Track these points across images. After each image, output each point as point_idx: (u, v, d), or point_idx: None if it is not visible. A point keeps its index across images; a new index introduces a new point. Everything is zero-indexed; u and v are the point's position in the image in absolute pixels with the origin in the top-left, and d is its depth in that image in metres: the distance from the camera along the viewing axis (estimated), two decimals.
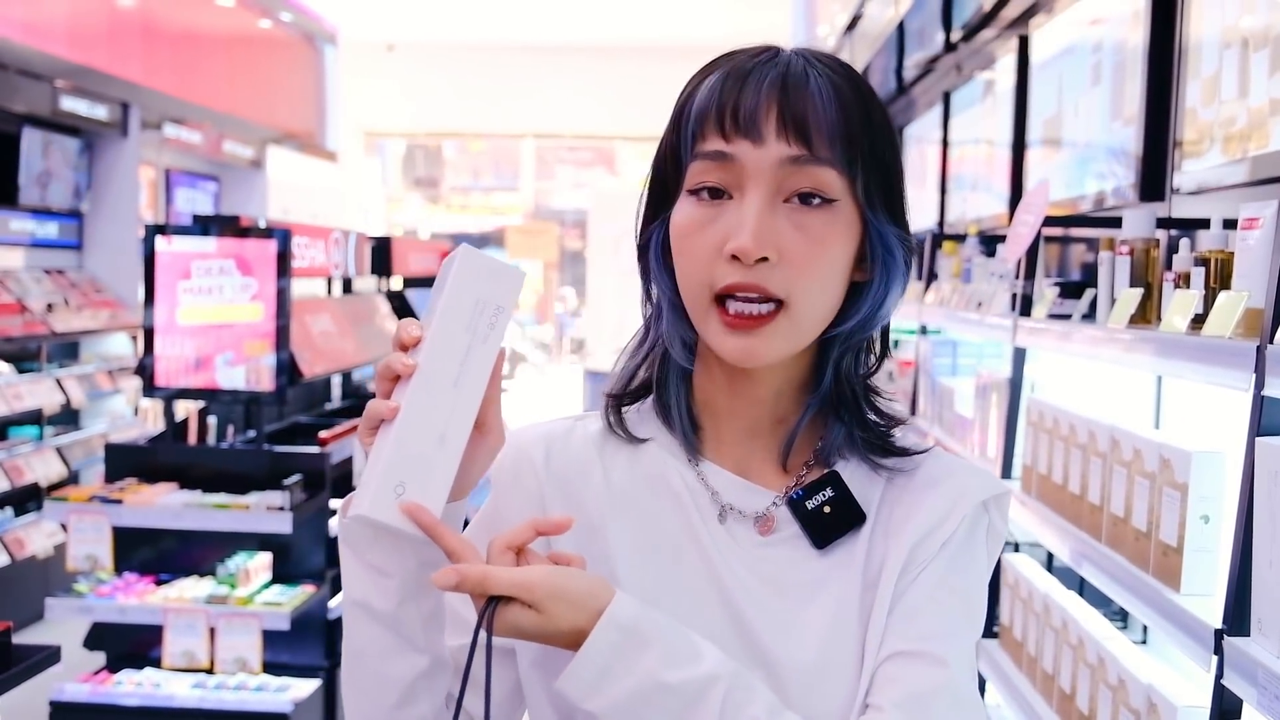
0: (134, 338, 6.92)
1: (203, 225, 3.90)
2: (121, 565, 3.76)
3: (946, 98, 4.96)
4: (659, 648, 0.88)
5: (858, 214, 0.97)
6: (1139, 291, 1.92)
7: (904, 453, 1.02)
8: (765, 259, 0.93)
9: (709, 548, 0.99)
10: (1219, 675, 1.41)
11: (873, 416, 1.03)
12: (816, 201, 0.95)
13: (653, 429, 1.05)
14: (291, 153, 10.51)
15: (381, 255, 5.59)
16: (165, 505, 3.59)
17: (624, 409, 1.07)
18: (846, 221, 0.96)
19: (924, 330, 3.59)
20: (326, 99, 11.47)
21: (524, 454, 1.05)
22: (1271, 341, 1.36)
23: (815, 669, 0.96)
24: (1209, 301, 1.66)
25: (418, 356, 0.91)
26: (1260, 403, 1.38)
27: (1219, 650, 1.41)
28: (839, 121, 0.94)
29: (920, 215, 5.66)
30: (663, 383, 1.04)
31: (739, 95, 0.94)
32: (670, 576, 0.99)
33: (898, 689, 0.93)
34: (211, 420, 4.00)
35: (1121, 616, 2.36)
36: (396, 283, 6.13)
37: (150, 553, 3.84)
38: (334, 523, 3.86)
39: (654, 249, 1.02)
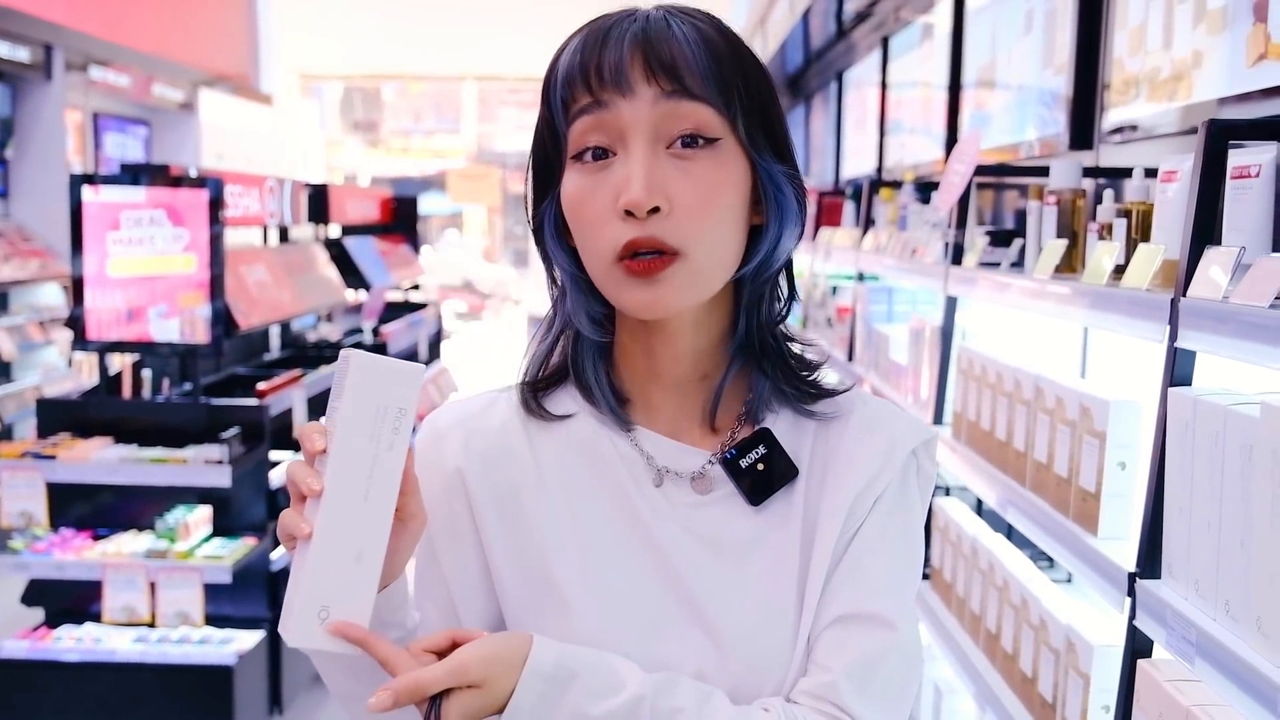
0: (65, 288, 6.77)
1: (131, 174, 3.81)
2: (57, 521, 3.72)
3: (885, 43, 4.96)
4: (581, 686, 0.90)
5: (743, 155, 0.96)
6: (1064, 242, 1.95)
7: (829, 393, 1.04)
8: (658, 209, 0.92)
9: (643, 513, 0.99)
10: (1131, 616, 1.46)
11: (794, 362, 1.04)
12: (700, 143, 0.94)
13: (575, 405, 1.04)
14: (224, 96, 10.26)
15: (318, 203, 5.51)
16: (101, 460, 3.54)
17: (542, 392, 1.05)
18: (733, 163, 0.95)
19: (861, 277, 3.62)
20: (260, 40, 11.19)
21: (440, 441, 1.04)
22: (1185, 294, 1.40)
23: (754, 626, 0.97)
24: (1130, 252, 1.70)
25: (324, 475, 0.89)
26: (1174, 354, 1.42)
27: (1132, 592, 1.46)
28: (707, 60, 0.94)
29: (859, 160, 5.68)
30: (579, 364, 1.03)
31: (601, 51, 0.94)
32: (604, 546, 0.99)
33: (848, 653, 0.95)
34: (146, 373, 3.94)
35: (1048, 558, 2.43)
36: (334, 230, 6.05)
37: (86, 508, 3.80)
38: (274, 476, 3.84)
39: (549, 228, 1.01)
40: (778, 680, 0.96)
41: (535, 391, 1.05)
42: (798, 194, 1.00)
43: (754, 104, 0.96)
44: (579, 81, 0.94)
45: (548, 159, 1.00)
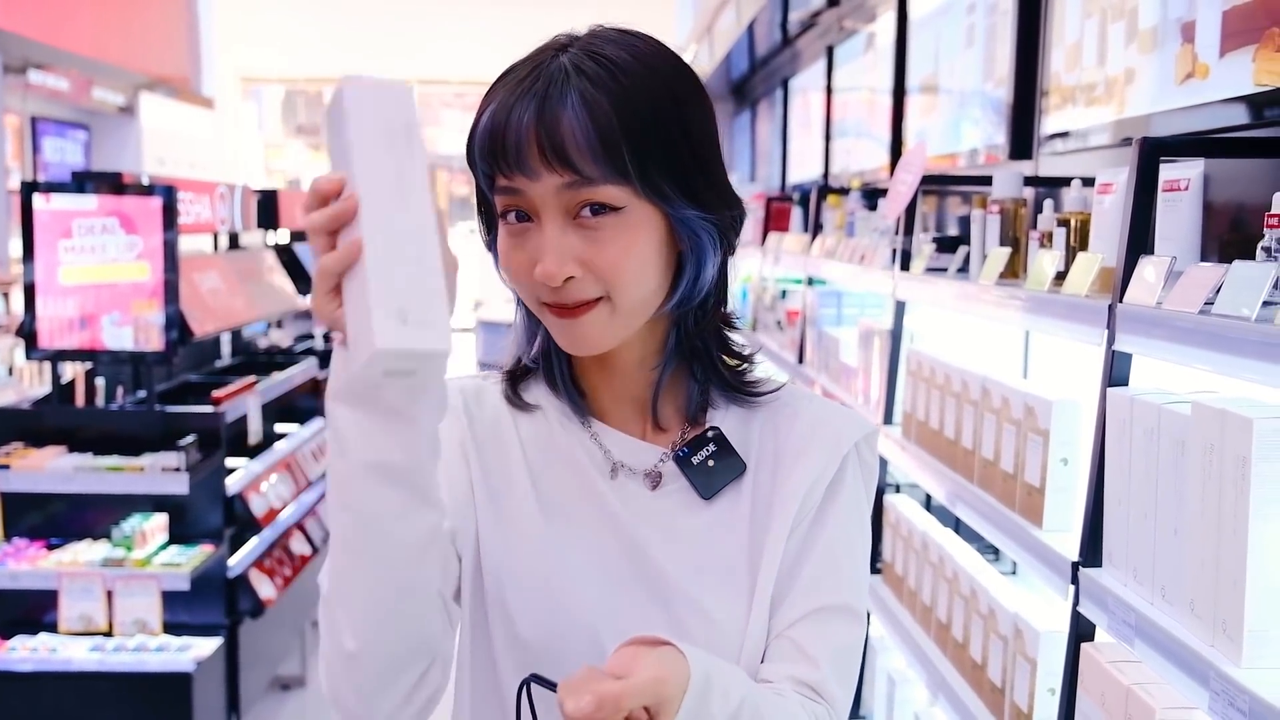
0: (4, 295, 6.67)
1: (79, 182, 3.79)
2: (10, 531, 3.69)
3: (830, 52, 5.07)
4: (715, 692, 0.90)
5: (654, 207, 1.00)
6: (1007, 250, 2.05)
7: (758, 393, 1.11)
8: (572, 276, 0.98)
9: (608, 499, 1.07)
10: (1075, 603, 1.56)
11: (727, 359, 1.11)
12: (606, 210, 0.98)
13: (544, 396, 1.13)
14: (165, 99, 10.15)
15: (268, 209, 5.50)
16: (55, 469, 3.53)
17: (521, 379, 1.14)
18: (642, 219, 0.99)
19: (810, 281, 3.72)
20: (201, 43, 11.08)
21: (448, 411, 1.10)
22: (1121, 300, 1.49)
23: (709, 606, 1.05)
24: (1069, 260, 1.80)
25: (355, 192, 0.83)
26: (1111, 357, 1.51)
27: (1075, 580, 1.56)
28: (595, 138, 0.96)
29: (806, 165, 5.79)
30: (547, 355, 1.12)
31: (505, 133, 0.97)
32: (574, 530, 1.07)
33: (827, 643, 1.04)
34: (99, 381, 3.93)
35: (994, 551, 2.54)
36: (283, 236, 6.04)
37: (39, 517, 3.77)
38: (230, 483, 3.85)
39: (496, 259, 1.07)
40: (731, 657, 1.04)
41: (514, 382, 1.14)
42: (720, 228, 1.04)
43: (655, 160, 0.98)
44: (489, 161, 0.99)
45: (486, 205, 1.06)
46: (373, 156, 0.84)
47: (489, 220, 1.07)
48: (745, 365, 1.13)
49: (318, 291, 0.85)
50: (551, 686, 0.86)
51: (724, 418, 1.11)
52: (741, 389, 1.11)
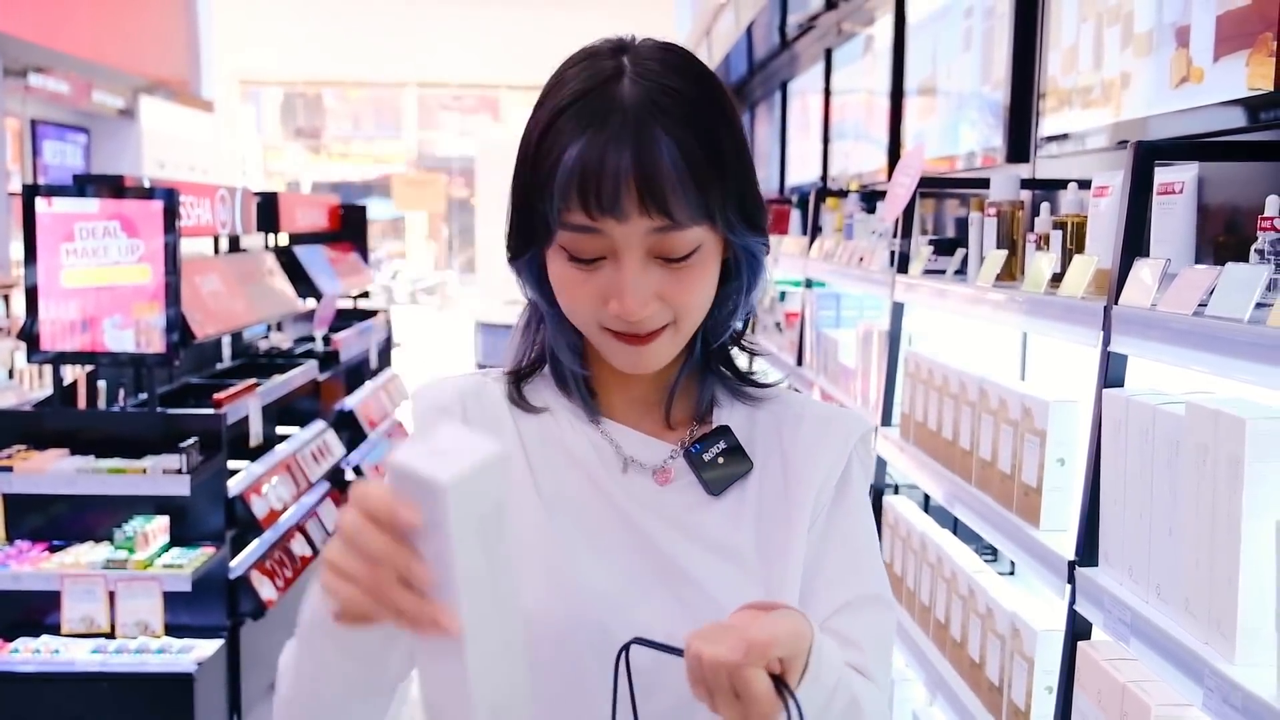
0: (6, 297, 6.68)
1: (80, 185, 3.80)
2: (12, 533, 3.70)
3: (828, 54, 5.08)
4: (826, 656, 0.92)
5: (720, 238, 1.03)
6: (1004, 253, 2.07)
7: (763, 385, 1.15)
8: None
9: (616, 494, 1.09)
10: (1072, 602, 1.57)
11: (739, 356, 1.15)
12: (687, 254, 1.00)
13: (552, 396, 1.14)
14: (164, 102, 10.16)
15: (268, 211, 5.51)
16: (58, 471, 3.54)
17: (525, 379, 1.15)
18: (712, 249, 1.03)
19: (809, 283, 3.73)
20: (200, 46, 11.09)
21: (442, 408, 1.11)
22: (1117, 302, 1.51)
23: (724, 597, 1.05)
24: (1066, 262, 1.81)
25: (454, 606, 0.77)
26: (1107, 358, 1.53)
27: (1072, 579, 1.58)
28: (692, 184, 0.97)
29: (804, 167, 5.81)
30: (555, 357, 1.13)
31: (600, 176, 0.96)
32: (580, 524, 1.08)
33: (868, 630, 1.07)
34: (101, 384, 3.94)
35: (992, 551, 2.55)
36: (283, 239, 6.05)
37: (41, 520, 3.78)
38: (231, 485, 3.86)
39: (528, 271, 1.08)
40: None
41: (519, 381, 1.14)
42: (767, 246, 1.08)
43: (732, 195, 1.01)
44: (575, 198, 0.96)
45: (531, 222, 1.03)
46: (472, 564, 0.78)
47: (525, 238, 1.05)
48: (751, 362, 1.16)
49: (403, 618, 0.80)
50: (667, 649, 0.86)
51: (730, 415, 1.14)
52: (747, 384, 1.14)
